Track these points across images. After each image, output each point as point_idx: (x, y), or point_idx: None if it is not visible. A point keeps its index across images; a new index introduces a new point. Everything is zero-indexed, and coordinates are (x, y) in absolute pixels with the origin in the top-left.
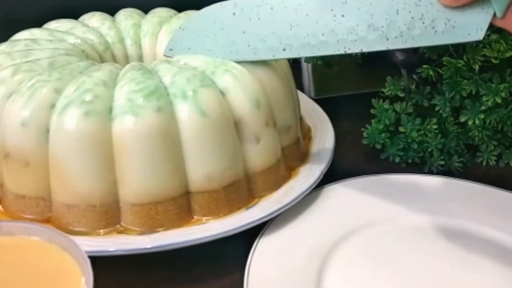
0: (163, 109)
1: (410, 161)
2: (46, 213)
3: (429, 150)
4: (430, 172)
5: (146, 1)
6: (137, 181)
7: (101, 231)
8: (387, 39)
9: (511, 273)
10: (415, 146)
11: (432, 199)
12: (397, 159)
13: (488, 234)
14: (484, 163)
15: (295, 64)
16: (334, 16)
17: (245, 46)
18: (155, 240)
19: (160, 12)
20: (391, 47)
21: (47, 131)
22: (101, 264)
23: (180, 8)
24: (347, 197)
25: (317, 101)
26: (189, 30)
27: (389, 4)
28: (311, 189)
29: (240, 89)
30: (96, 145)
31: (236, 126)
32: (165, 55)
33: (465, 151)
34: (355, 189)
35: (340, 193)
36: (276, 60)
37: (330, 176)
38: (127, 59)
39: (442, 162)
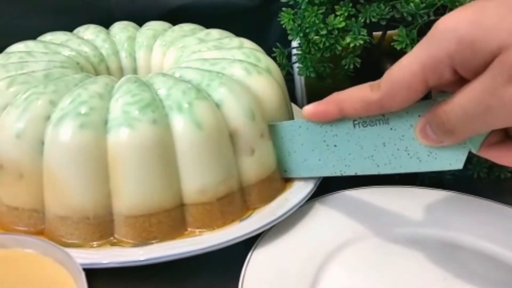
0: (158, 121)
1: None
2: (39, 225)
3: None
4: (423, 184)
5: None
6: (131, 193)
7: (95, 243)
8: (378, 166)
9: (503, 285)
10: None
11: (425, 211)
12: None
13: (480, 246)
14: (475, 175)
15: (288, 76)
16: (327, 146)
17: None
18: (149, 253)
19: (154, 25)
20: (382, 172)
21: (42, 143)
22: (95, 276)
23: (174, 21)
24: (341, 209)
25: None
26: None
27: (376, 138)
28: (304, 201)
29: (235, 101)
30: (91, 157)
31: (231, 138)
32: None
33: None
34: (348, 201)
35: (334, 205)
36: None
37: (324, 188)
38: (121, 72)
39: (434, 174)
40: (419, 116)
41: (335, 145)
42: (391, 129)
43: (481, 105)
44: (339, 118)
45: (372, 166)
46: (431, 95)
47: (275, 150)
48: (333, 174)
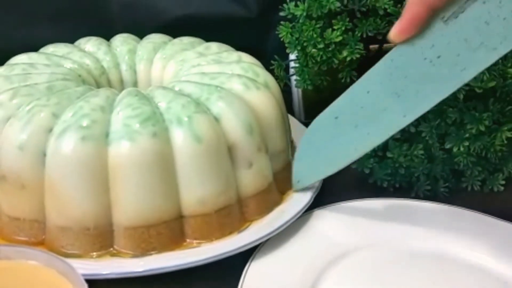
0: (158, 135)
1: (397, 185)
2: (40, 235)
3: (416, 175)
4: (417, 197)
5: (141, 25)
6: (131, 204)
7: (94, 254)
8: (495, 49)
9: None
10: (402, 171)
11: (419, 223)
12: (385, 184)
13: (474, 258)
14: (469, 188)
15: (285, 89)
16: (431, 61)
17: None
18: (148, 264)
19: (154, 38)
20: (503, 53)
21: (44, 155)
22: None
23: (174, 32)
24: (337, 221)
25: (307, 125)
26: (304, 159)
27: (475, 22)
28: (301, 213)
29: (234, 115)
30: (92, 169)
31: (229, 151)
32: (295, 189)
33: (451, 176)
34: (344, 213)
35: (330, 217)
36: (399, 130)
37: (320, 200)
38: (122, 84)
39: (429, 187)
40: None
41: (438, 56)
42: (484, 2)
43: None
44: (430, 17)
45: (488, 53)
46: None
47: (382, 101)
48: (455, 87)
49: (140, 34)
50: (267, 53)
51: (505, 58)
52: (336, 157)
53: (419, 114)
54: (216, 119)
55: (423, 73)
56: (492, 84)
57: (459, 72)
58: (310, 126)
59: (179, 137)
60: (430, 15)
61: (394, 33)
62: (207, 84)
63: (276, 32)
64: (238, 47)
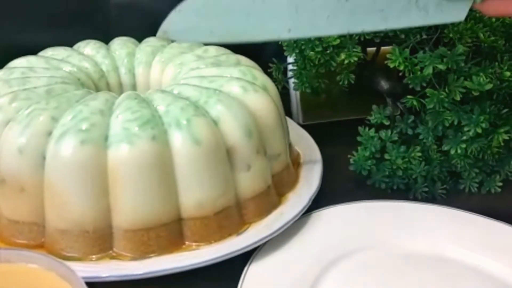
0: (157, 138)
1: (395, 187)
2: (39, 238)
3: (413, 177)
4: (415, 198)
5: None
6: (130, 207)
7: (94, 256)
8: (386, 20)
9: None
10: (400, 173)
11: (417, 225)
12: (383, 186)
13: (471, 260)
14: (466, 190)
15: (284, 91)
16: (338, 0)
17: (249, 27)
18: (147, 266)
19: (153, 41)
20: (389, 27)
21: (44, 158)
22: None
23: None
24: (335, 222)
25: (305, 127)
26: (186, 12)
27: None
28: (300, 215)
29: (232, 118)
30: (91, 172)
31: (228, 154)
32: (158, 37)
33: (448, 178)
34: (342, 215)
35: (328, 218)
36: (279, 39)
37: (318, 202)
38: (121, 87)
39: (426, 189)
40: None
41: (346, 0)
42: None
43: None
44: None
45: (381, 20)
46: None
47: (281, 6)
48: (340, 32)
49: (139, 37)
50: (265, 56)
51: (501, 61)
52: (217, 29)
53: (299, 36)
54: (215, 122)
55: (327, 5)
56: (489, 86)
57: (353, 22)
58: None
59: (178, 140)
60: None
61: None
62: (205, 87)
63: None
64: (236, 51)
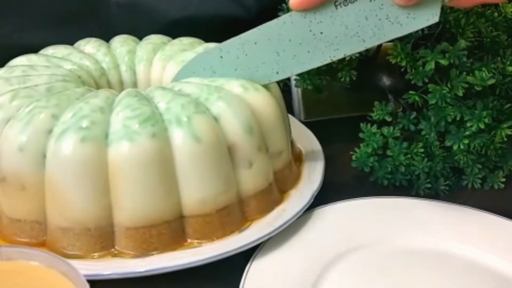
0: (158, 135)
1: (397, 184)
2: (41, 236)
3: (416, 173)
4: (417, 195)
5: (140, 27)
6: (131, 205)
7: (96, 254)
8: (364, 41)
9: None
10: (402, 169)
11: (419, 221)
12: (385, 182)
13: (474, 256)
14: (469, 186)
15: (285, 88)
16: (314, 35)
17: (240, 78)
18: (149, 264)
19: (154, 39)
20: (368, 46)
21: (44, 156)
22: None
23: (173, 34)
24: (337, 219)
25: (307, 124)
26: (190, 68)
27: (358, 14)
28: (302, 212)
29: (233, 115)
30: (92, 170)
31: (229, 151)
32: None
33: (451, 174)
34: (345, 212)
35: (331, 215)
36: (271, 83)
37: (321, 199)
38: (122, 85)
39: (429, 185)
40: None
41: (321, 32)
42: (370, 1)
43: None
44: (323, 2)
45: (358, 43)
46: None
47: (264, 55)
48: (324, 62)
49: (140, 36)
50: None
51: (504, 55)
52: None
53: (288, 75)
54: (216, 119)
55: (304, 42)
56: (492, 81)
57: (332, 50)
58: (194, 58)
59: (179, 137)
60: None
61: (294, 2)
62: (206, 84)
63: None
64: None
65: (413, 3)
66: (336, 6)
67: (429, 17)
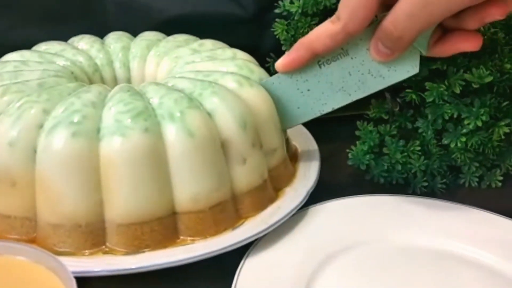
0: (150, 130)
1: (394, 182)
2: (31, 233)
3: (412, 171)
4: (414, 193)
5: (135, 24)
6: (123, 201)
7: (87, 251)
8: (350, 95)
9: None
10: (399, 167)
11: (416, 219)
12: (382, 180)
13: (471, 254)
14: (466, 184)
15: None
16: (302, 92)
17: None
18: (141, 261)
19: (148, 36)
20: (354, 99)
21: (35, 151)
22: (87, 285)
23: (168, 32)
24: (333, 217)
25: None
26: None
27: (341, 71)
28: (297, 209)
29: (227, 111)
30: (83, 165)
31: (223, 147)
32: None
33: (448, 173)
34: (340, 210)
35: (326, 213)
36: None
37: (316, 197)
38: (115, 82)
39: (426, 183)
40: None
41: (308, 90)
42: (351, 58)
43: (421, 2)
44: (310, 61)
45: (344, 96)
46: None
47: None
48: (314, 116)
49: (136, 34)
50: (263, 52)
51: (502, 53)
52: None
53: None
54: (209, 114)
55: (293, 99)
56: (489, 79)
57: (321, 105)
58: None
59: (172, 133)
60: (311, 59)
61: (279, 65)
62: (200, 80)
63: (272, 30)
64: (234, 46)
65: (392, 58)
66: (319, 65)
67: (409, 68)
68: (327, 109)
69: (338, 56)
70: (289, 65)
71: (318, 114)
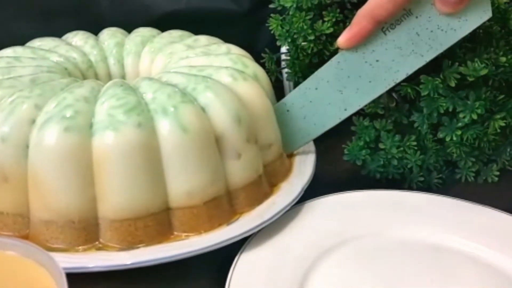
0: (143, 125)
1: (390, 177)
2: (24, 230)
3: (408, 166)
4: (410, 188)
5: (130, 20)
6: (116, 196)
7: (80, 247)
8: (422, 56)
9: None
10: (395, 162)
11: (412, 214)
12: (378, 175)
13: (467, 248)
14: (463, 179)
15: (277, 84)
16: (371, 65)
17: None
18: (135, 256)
19: (143, 32)
20: (428, 59)
21: (27, 146)
22: (80, 281)
23: (163, 28)
24: (328, 212)
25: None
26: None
27: (409, 32)
28: (292, 204)
29: (221, 105)
30: (75, 160)
31: (217, 141)
32: None
33: (444, 168)
34: (335, 205)
35: (321, 208)
36: (341, 120)
37: (311, 192)
38: (110, 78)
39: (422, 178)
40: None
41: (377, 60)
42: (416, 17)
43: None
44: (374, 30)
45: (417, 59)
46: None
47: (328, 97)
48: (388, 87)
49: (130, 30)
50: (258, 47)
51: (497, 46)
52: (285, 141)
53: (357, 108)
54: (203, 109)
55: (363, 74)
56: (485, 72)
57: (393, 73)
58: None
59: (165, 127)
60: (375, 28)
61: (342, 42)
62: (194, 74)
63: (267, 25)
64: (229, 42)
65: (461, 7)
66: (384, 32)
67: (481, 14)
68: (401, 76)
69: (402, 18)
70: (354, 40)
71: (392, 84)
